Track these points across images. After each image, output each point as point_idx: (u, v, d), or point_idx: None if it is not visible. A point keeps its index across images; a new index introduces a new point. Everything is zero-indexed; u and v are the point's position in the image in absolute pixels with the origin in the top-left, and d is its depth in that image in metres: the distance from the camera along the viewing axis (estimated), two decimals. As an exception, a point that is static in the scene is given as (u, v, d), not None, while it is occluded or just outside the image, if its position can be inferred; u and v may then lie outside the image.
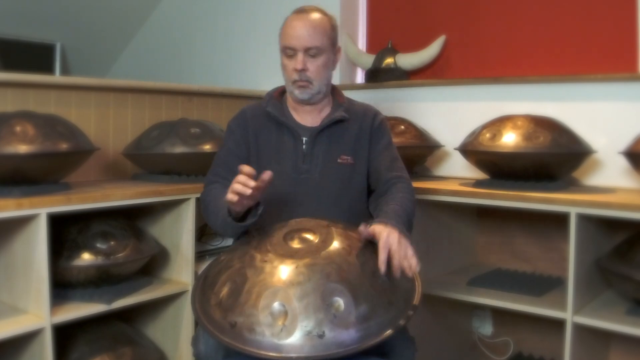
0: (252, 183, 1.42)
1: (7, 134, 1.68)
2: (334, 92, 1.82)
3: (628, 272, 1.82)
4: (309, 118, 1.75)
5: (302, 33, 1.65)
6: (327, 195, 1.71)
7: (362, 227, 1.43)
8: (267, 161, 1.72)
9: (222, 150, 1.80)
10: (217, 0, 3.45)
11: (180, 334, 2.14)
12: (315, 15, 1.69)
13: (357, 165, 1.76)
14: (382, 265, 1.35)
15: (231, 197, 1.45)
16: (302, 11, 1.70)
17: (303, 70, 1.67)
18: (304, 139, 1.72)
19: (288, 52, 1.68)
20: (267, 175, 1.43)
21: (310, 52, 1.66)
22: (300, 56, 1.66)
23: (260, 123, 1.75)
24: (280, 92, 1.81)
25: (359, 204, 1.77)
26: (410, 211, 1.62)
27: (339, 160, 1.73)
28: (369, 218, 1.72)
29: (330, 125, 1.74)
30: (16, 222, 1.71)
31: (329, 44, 1.70)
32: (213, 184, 1.73)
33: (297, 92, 1.70)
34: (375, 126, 1.80)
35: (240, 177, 1.44)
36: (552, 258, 2.36)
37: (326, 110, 1.78)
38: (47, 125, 1.76)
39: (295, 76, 1.68)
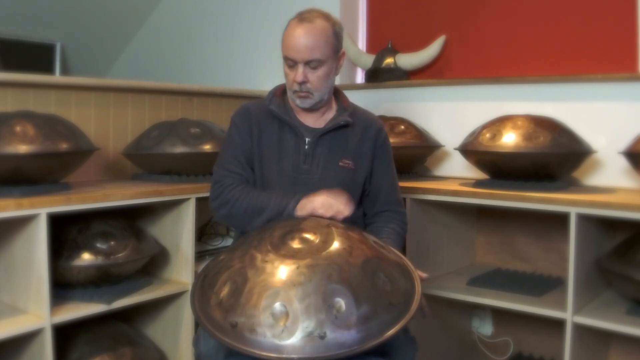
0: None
1: (7, 134, 1.68)
2: (339, 95, 1.80)
3: (628, 272, 1.82)
4: (311, 119, 1.74)
5: (302, 45, 1.60)
6: None
7: None
8: (268, 159, 1.71)
9: (228, 145, 1.74)
10: (217, 0, 3.45)
11: (180, 334, 2.14)
12: (318, 23, 1.62)
13: (356, 171, 1.75)
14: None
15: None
16: (303, 19, 1.63)
17: (303, 82, 1.64)
18: (307, 139, 1.71)
19: (289, 62, 1.64)
20: None
21: (310, 64, 1.62)
22: (300, 68, 1.62)
23: (263, 120, 1.73)
24: (283, 90, 1.79)
25: (354, 209, 1.77)
26: (400, 245, 1.73)
27: (340, 164, 1.72)
28: (362, 222, 1.79)
29: (335, 129, 1.73)
30: (16, 222, 1.71)
31: (331, 53, 1.65)
32: (226, 178, 1.68)
33: (298, 101, 1.69)
34: (380, 142, 1.79)
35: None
36: (552, 258, 2.36)
37: (330, 113, 1.76)
38: (47, 125, 1.76)
39: (295, 87, 1.65)
